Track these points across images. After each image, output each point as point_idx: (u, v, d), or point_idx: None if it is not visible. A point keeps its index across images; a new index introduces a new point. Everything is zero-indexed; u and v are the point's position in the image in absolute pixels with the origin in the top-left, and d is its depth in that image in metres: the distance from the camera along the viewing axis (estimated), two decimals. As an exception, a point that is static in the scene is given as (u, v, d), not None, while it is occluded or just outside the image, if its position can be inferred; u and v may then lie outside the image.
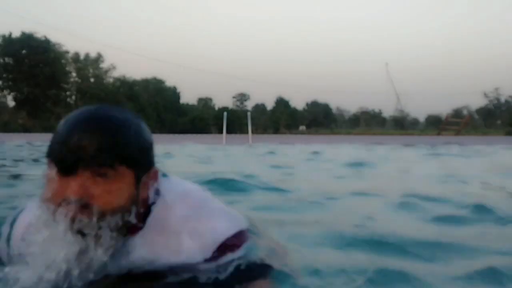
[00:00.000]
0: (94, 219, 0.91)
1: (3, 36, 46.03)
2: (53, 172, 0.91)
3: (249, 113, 16.58)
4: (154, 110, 51.94)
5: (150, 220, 1.04)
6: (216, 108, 63.45)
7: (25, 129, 38.70)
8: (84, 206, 0.89)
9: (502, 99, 72.17)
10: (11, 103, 49.52)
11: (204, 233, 1.04)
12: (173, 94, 58.61)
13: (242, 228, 1.09)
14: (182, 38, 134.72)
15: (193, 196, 1.10)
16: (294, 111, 70.69)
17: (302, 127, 67.53)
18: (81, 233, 0.91)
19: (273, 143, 14.95)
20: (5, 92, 48.62)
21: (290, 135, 43.78)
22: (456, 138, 23.83)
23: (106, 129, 0.91)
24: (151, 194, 1.04)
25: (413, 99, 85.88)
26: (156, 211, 1.05)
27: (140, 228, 1.02)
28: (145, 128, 1.01)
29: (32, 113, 45.50)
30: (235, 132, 37.51)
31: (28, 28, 58.99)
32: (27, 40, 46.05)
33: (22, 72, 45.96)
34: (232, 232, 1.06)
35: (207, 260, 1.02)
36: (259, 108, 72.66)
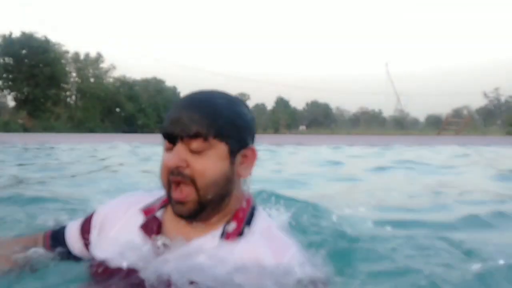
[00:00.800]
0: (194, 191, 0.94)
1: (3, 36, 45.94)
2: (164, 146, 1.01)
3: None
4: (154, 110, 51.86)
5: (255, 227, 1.01)
6: (216, 108, 63.21)
7: (25, 129, 38.65)
8: (183, 176, 0.94)
9: (502, 99, 72.22)
10: (11, 103, 49.55)
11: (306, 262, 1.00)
12: (173, 94, 58.49)
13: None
14: (182, 38, 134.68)
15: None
16: (294, 111, 70.68)
17: (302, 127, 67.50)
18: (180, 203, 0.96)
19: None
20: (5, 92, 48.59)
21: (290, 135, 43.74)
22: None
23: (199, 105, 0.98)
24: (247, 173, 1.03)
25: (413, 99, 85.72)
26: (259, 220, 1.03)
27: (239, 234, 0.99)
28: (243, 108, 1.03)
29: (32, 113, 45.46)
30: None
31: (28, 28, 59.06)
32: (27, 40, 45.97)
33: (22, 72, 45.89)
34: (322, 275, 1.02)
35: None
36: (259, 108, 72.64)
